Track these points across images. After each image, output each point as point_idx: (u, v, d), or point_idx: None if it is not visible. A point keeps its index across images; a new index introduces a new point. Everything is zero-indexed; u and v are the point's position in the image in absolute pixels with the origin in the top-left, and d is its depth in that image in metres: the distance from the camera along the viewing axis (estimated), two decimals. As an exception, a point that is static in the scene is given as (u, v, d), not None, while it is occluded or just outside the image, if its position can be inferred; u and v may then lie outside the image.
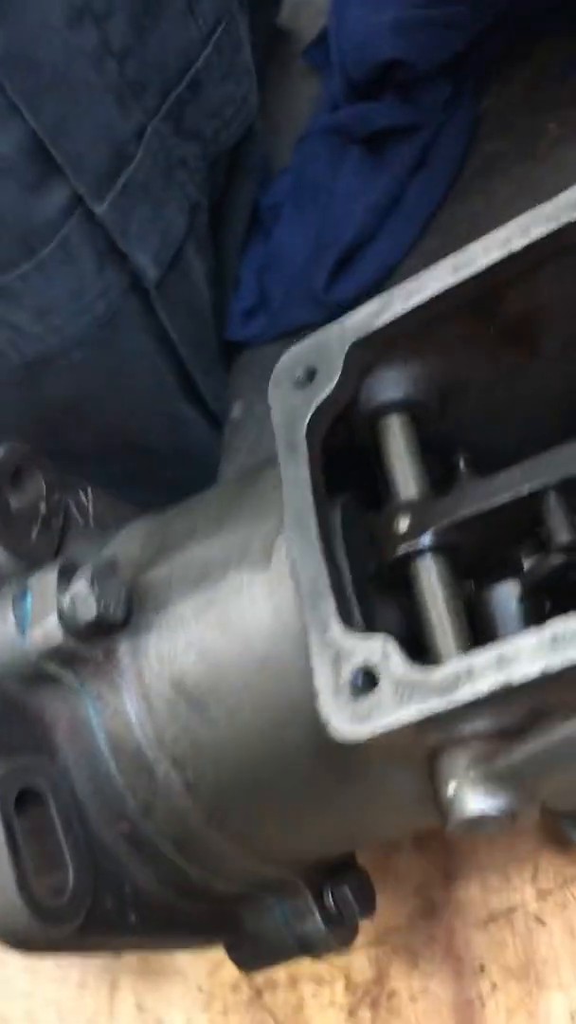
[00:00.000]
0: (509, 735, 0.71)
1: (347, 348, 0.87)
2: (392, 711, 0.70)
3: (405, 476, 0.88)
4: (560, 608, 0.82)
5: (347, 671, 0.73)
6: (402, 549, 0.83)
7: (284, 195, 1.62)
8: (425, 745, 0.73)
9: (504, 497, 0.81)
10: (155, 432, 1.59)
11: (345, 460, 0.90)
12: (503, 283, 0.84)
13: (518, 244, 0.81)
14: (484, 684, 0.67)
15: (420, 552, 0.83)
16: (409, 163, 1.53)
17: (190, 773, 0.88)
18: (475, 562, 0.86)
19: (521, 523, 0.83)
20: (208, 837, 0.91)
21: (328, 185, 1.56)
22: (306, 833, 0.94)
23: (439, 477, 0.97)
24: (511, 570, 0.87)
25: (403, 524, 0.83)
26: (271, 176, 1.69)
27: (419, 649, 0.79)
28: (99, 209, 1.28)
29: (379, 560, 0.85)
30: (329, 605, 0.76)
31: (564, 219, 0.80)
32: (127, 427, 1.55)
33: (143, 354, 1.50)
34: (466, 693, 0.68)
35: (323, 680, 0.74)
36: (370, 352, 0.88)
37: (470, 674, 0.68)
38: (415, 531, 0.82)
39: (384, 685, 0.71)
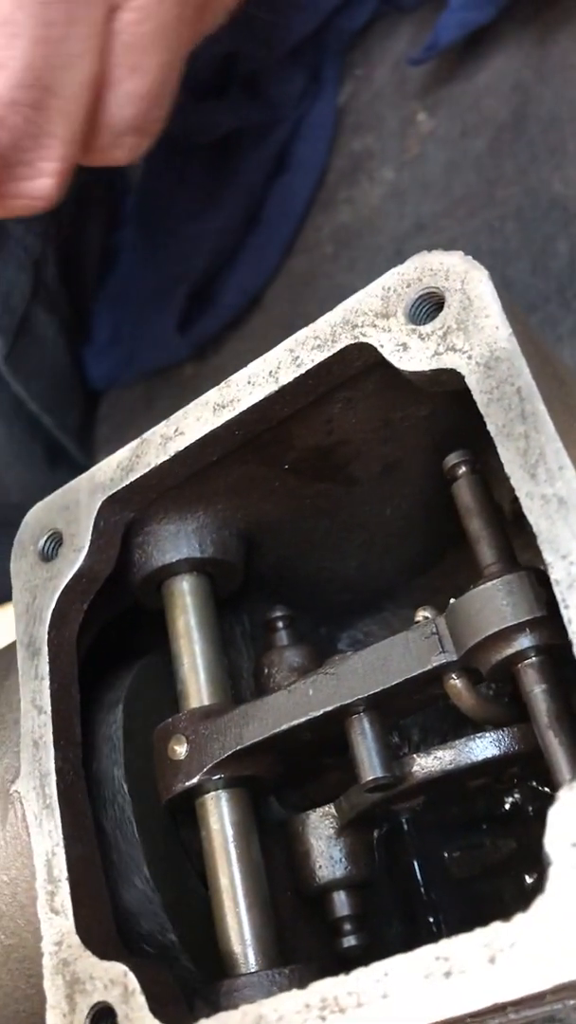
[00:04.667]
0: None
1: (97, 508, 0.66)
2: None
3: (190, 671, 0.68)
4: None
5: (83, 1010, 0.54)
6: (179, 784, 0.63)
7: (128, 217, 1.39)
8: None
9: (297, 720, 0.61)
10: (27, 510, 1.44)
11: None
12: (283, 420, 0.63)
13: (288, 376, 0.60)
14: (238, 1062, 0.48)
15: (202, 789, 0.63)
16: (264, 170, 1.30)
17: None
18: (279, 780, 0.67)
19: (330, 740, 0.63)
20: None
21: (173, 204, 1.33)
22: None
23: (257, 628, 0.78)
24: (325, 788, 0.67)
25: (180, 750, 0.63)
26: (126, 191, 1.46)
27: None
28: None
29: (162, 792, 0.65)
30: (65, 898, 0.57)
31: (342, 341, 0.58)
32: None
33: None
34: (215, 1074, 0.48)
35: (56, 1020, 0.55)
36: (129, 510, 0.68)
37: (221, 1044, 0.48)
38: (193, 764, 0.62)
39: (121, 1043, 0.52)
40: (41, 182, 0.78)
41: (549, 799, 0.75)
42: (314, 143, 1.30)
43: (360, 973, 0.47)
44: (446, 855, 0.79)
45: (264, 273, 1.29)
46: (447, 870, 0.79)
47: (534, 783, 0.74)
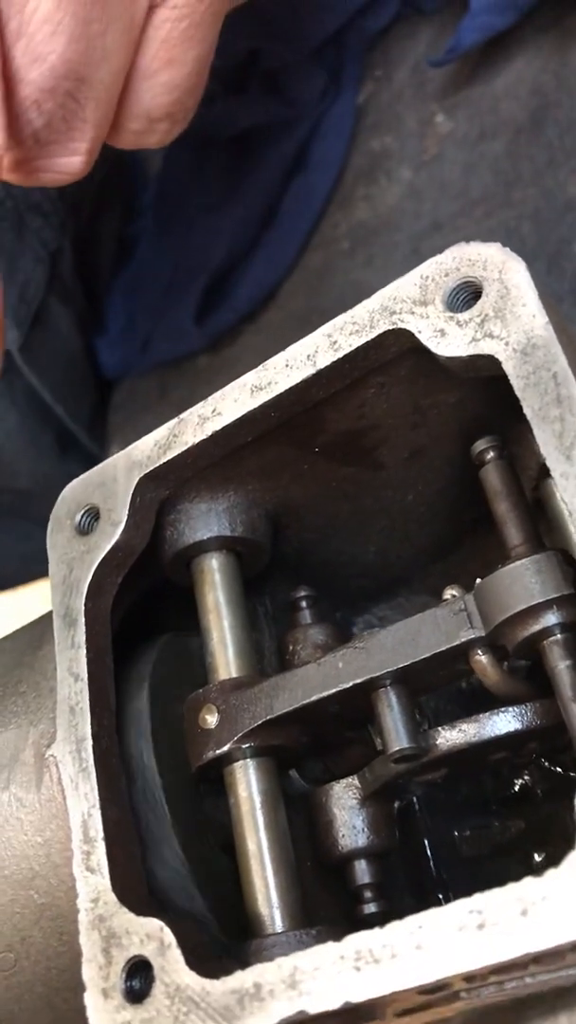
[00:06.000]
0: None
1: (134, 484, 0.68)
2: (165, 1035, 0.53)
3: (219, 645, 0.70)
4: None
5: (119, 962, 0.56)
6: (210, 752, 0.65)
7: (146, 209, 1.41)
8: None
9: (327, 691, 0.63)
10: (36, 496, 1.46)
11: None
12: (317, 403, 0.65)
13: (325, 360, 0.62)
14: (274, 1012, 0.50)
15: (231, 757, 0.65)
16: (283, 166, 1.32)
17: None
18: (304, 751, 0.69)
19: (355, 713, 0.65)
20: None
21: (192, 197, 1.35)
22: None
23: (278, 609, 0.80)
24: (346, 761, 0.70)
25: (210, 719, 0.65)
26: (144, 184, 1.49)
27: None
28: None
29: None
30: (101, 857, 0.59)
31: (380, 327, 0.61)
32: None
33: (9, 420, 1.36)
34: (252, 1023, 0.50)
35: (92, 972, 0.57)
36: (164, 487, 0.70)
37: (258, 994, 0.51)
38: (224, 733, 0.64)
39: (158, 993, 0.54)
40: (71, 159, 0.84)
41: (559, 779, 0.78)
42: (333, 141, 1.32)
43: (395, 926, 0.49)
44: (456, 834, 0.81)
45: (281, 268, 1.32)
46: (457, 849, 0.81)
47: (546, 763, 0.77)
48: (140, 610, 0.77)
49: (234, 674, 0.69)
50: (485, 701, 0.67)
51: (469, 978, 0.50)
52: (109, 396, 1.50)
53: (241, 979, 0.52)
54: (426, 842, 0.80)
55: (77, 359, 1.42)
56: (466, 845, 0.81)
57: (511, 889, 0.46)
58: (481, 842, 0.81)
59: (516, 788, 0.80)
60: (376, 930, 0.49)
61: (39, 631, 0.75)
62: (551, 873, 0.46)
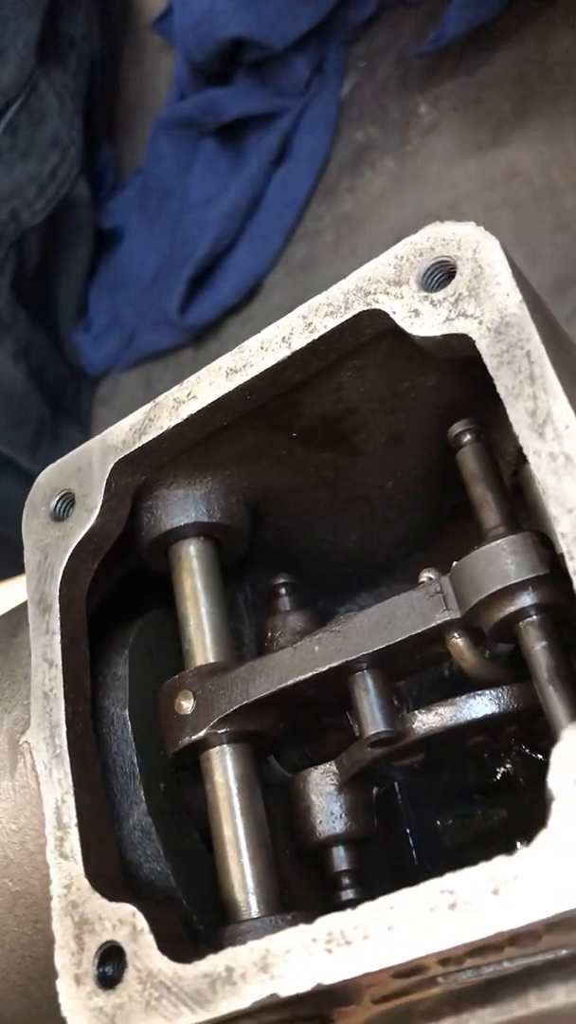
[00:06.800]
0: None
1: (109, 469, 0.68)
2: (138, 1020, 0.52)
3: (196, 631, 0.69)
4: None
5: (92, 948, 0.55)
6: (186, 738, 0.65)
7: (131, 202, 1.41)
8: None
9: (303, 675, 0.63)
10: None
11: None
12: (294, 387, 0.65)
13: (301, 341, 0.62)
14: (246, 996, 0.49)
15: (208, 743, 0.64)
16: (268, 158, 1.32)
17: None
18: (281, 738, 0.68)
19: (332, 698, 0.65)
20: None
21: (177, 189, 1.35)
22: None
23: (259, 597, 0.80)
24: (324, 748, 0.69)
25: (186, 705, 0.65)
26: (121, 182, 1.48)
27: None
28: None
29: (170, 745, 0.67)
30: (74, 843, 0.58)
31: (355, 308, 0.60)
32: None
33: None
34: (224, 1007, 0.50)
35: (64, 958, 0.56)
36: (140, 472, 0.69)
37: (230, 978, 0.50)
38: (200, 718, 0.64)
39: (130, 979, 0.53)
40: None
41: (541, 767, 0.77)
42: (317, 132, 1.32)
43: (366, 907, 0.48)
44: (439, 823, 0.81)
45: (265, 259, 1.31)
46: (439, 838, 0.80)
47: (527, 750, 0.76)
48: (120, 596, 0.77)
49: (211, 660, 0.68)
50: (467, 688, 0.66)
51: (444, 961, 0.50)
52: (93, 392, 1.50)
53: (213, 963, 0.51)
54: (408, 831, 0.80)
55: (18, 392, 1.42)
56: (448, 834, 0.81)
57: (482, 868, 0.46)
58: (464, 831, 0.81)
59: (498, 776, 0.79)
60: (348, 912, 0.49)
61: (16, 619, 0.75)
62: (523, 851, 0.45)
